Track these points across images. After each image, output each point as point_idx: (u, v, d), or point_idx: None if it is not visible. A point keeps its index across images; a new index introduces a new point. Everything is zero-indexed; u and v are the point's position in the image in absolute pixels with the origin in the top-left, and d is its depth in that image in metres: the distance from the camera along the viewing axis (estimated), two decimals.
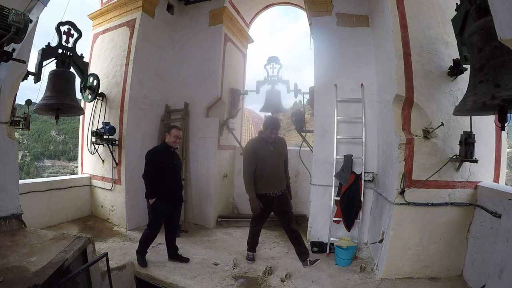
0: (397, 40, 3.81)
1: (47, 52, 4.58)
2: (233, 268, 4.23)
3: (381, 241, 4.01)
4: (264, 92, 7.02)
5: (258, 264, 4.39)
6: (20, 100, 4.45)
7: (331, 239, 4.76)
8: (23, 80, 4.03)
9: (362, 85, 4.99)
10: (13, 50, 2.84)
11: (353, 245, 4.47)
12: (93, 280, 3.42)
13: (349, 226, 4.74)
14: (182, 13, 6.96)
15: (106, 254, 3.60)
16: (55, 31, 4.76)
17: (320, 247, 4.81)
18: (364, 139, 4.88)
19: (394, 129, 3.90)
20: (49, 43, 4.64)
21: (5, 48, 2.64)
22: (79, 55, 4.97)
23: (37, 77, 4.33)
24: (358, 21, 5.20)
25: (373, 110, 4.95)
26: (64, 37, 4.81)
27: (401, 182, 3.71)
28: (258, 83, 7.00)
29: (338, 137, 5.01)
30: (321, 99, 5.31)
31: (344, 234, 4.79)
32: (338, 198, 4.83)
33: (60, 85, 4.61)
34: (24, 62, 3.34)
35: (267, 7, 7.85)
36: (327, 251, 4.67)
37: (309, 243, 4.99)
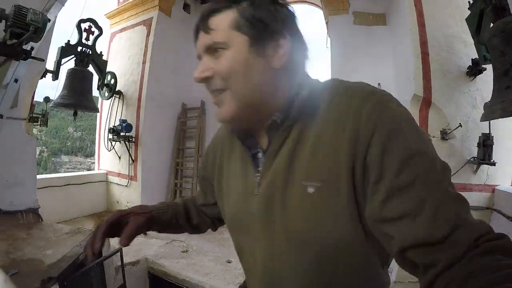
0: (415, 39, 3.72)
1: (66, 50, 4.63)
2: None
3: None
4: None
5: None
6: (39, 97, 4.55)
7: None
8: (41, 78, 4.13)
9: (379, 84, 4.89)
10: (32, 48, 2.90)
11: None
12: (107, 274, 3.47)
13: None
14: (198, 12, 6.85)
15: (120, 249, 3.66)
16: (75, 28, 4.81)
17: None
18: None
19: None
20: (68, 41, 4.68)
21: (24, 47, 2.70)
22: (99, 53, 5.03)
23: (55, 75, 4.41)
24: (375, 20, 5.10)
25: None
26: (84, 34, 4.85)
27: None
28: None
29: None
30: None
31: None
32: None
33: (77, 84, 4.67)
34: (43, 60, 3.42)
35: None
36: None
37: None
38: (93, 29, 4.98)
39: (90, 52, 4.90)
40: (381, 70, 4.95)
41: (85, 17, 4.88)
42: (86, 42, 4.89)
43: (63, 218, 5.42)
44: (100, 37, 5.07)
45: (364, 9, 5.17)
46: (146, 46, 5.94)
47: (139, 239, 5.06)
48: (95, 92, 5.54)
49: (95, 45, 4.99)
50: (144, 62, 5.91)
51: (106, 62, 5.31)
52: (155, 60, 5.93)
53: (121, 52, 6.40)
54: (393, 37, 4.83)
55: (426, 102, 3.73)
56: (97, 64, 5.02)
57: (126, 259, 4.05)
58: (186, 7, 6.71)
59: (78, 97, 4.66)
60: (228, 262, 4.38)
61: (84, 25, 4.88)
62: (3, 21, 2.42)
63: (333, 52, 5.34)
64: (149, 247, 4.74)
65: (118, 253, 3.66)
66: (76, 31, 4.84)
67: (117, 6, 6.56)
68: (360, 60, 5.09)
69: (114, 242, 4.56)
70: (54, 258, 2.82)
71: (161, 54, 6.08)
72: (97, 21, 4.97)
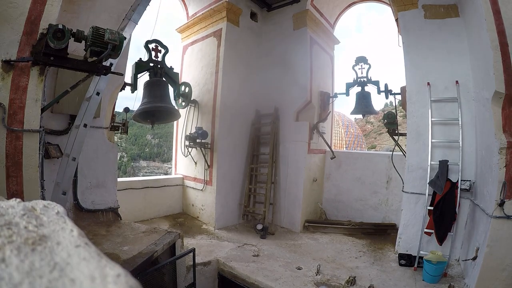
0: (491, 29, 3.29)
1: (140, 66, 4.97)
2: (316, 274, 4.16)
3: (474, 258, 3.53)
4: (354, 94, 6.75)
5: (341, 272, 4.25)
6: (119, 108, 5.01)
7: (421, 252, 4.36)
8: (121, 90, 4.57)
9: (457, 82, 4.49)
10: (111, 64, 3.24)
11: (444, 260, 4.04)
12: (178, 272, 3.70)
13: (441, 239, 4.28)
14: (265, 19, 7.14)
15: (193, 250, 3.88)
16: (144, 48, 5.17)
17: (408, 260, 4.45)
18: (461, 142, 4.36)
19: (494, 131, 3.38)
20: (140, 58, 5.04)
21: (104, 63, 3.01)
22: (169, 67, 5.32)
23: (134, 87, 4.82)
24: (446, 12, 4.68)
25: (470, 110, 4.39)
26: (153, 53, 5.17)
27: (501, 192, 3.20)
28: (347, 85, 6.77)
29: (433, 140, 4.60)
30: (414, 99, 4.93)
31: (435, 248, 4.35)
32: (431, 208, 4.39)
33: (156, 91, 4.99)
34: (122, 74, 3.78)
35: (350, 5, 7.51)
36: (415, 265, 4.30)
37: (397, 255, 4.64)
38: (160, 47, 5.28)
39: (160, 66, 5.20)
40: (458, 66, 4.53)
41: (156, 34, 5.22)
42: (156, 59, 5.22)
43: (140, 218, 5.89)
44: (168, 53, 5.33)
45: (434, 1, 4.77)
46: (217, 56, 6.22)
47: (212, 241, 5.27)
48: (172, 102, 5.91)
49: (164, 60, 5.28)
50: (217, 72, 6.19)
51: (177, 74, 5.59)
52: (227, 69, 6.17)
53: (194, 63, 6.79)
54: (468, 29, 4.39)
55: (508, 100, 3.28)
56: (170, 76, 5.35)
57: (198, 260, 4.25)
58: (253, 16, 6.89)
59: (159, 102, 4.95)
60: (298, 269, 4.35)
61: (151, 45, 5.21)
62: (83, 41, 2.73)
63: (406, 50, 5.02)
64: (221, 249, 4.90)
65: (191, 253, 3.86)
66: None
67: (187, 20, 6.99)
68: (435, 56, 4.72)
69: (187, 242, 4.82)
70: (130, 254, 3.08)
71: (233, 63, 6.31)
72: (161, 41, 5.29)
